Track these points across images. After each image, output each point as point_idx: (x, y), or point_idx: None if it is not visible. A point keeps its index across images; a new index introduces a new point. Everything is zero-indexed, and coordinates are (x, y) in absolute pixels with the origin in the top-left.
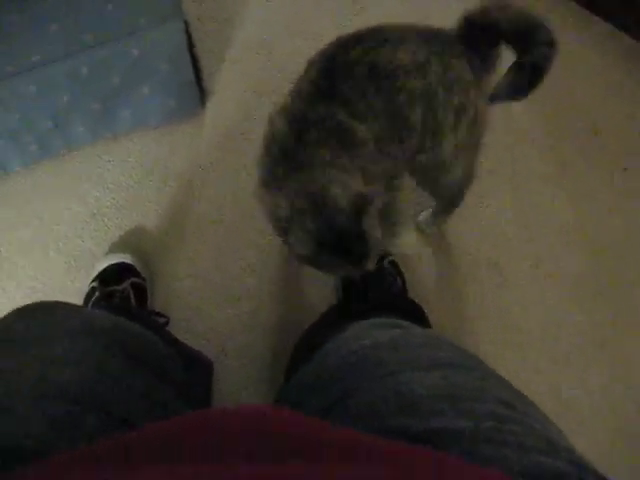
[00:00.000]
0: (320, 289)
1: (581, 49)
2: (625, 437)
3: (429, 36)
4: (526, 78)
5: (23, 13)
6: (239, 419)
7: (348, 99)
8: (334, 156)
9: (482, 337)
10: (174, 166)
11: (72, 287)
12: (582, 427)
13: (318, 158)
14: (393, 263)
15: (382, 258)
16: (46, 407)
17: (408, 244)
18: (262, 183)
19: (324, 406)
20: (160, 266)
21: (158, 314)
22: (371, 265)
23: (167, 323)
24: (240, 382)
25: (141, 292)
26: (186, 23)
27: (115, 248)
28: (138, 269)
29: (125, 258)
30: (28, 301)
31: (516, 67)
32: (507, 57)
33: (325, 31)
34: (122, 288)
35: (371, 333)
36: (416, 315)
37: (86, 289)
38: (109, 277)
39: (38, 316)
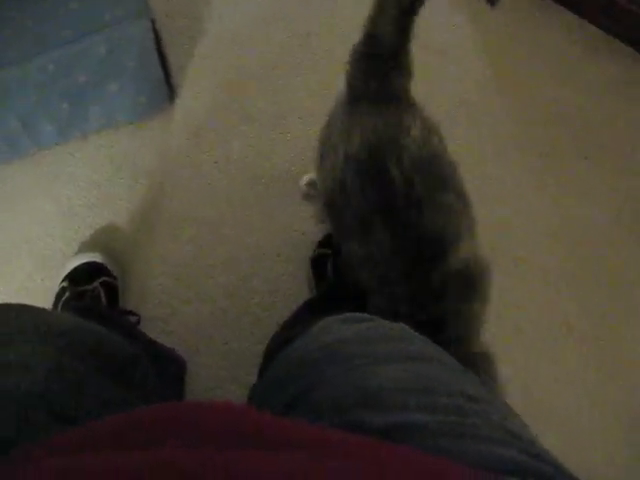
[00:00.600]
0: (294, 285)
1: (546, 38)
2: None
3: None
4: None
5: None
6: (212, 412)
7: None
8: None
9: None
10: (145, 163)
11: (42, 287)
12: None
13: None
14: None
15: None
16: None
17: None
18: None
19: (288, 402)
20: (132, 264)
21: (129, 313)
22: None
23: (139, 322)
24: (213, 381)
25: (112, 291)
26: (153, 20)
27: (86, 247)
28: (109, 268)
29: (95, 257)
30: None
31: None
32: None
33: (296, 24)
34: (92, 287)
35: (338, 328)
36: None
37: (56, 289)
38: (79, 277)
39: None
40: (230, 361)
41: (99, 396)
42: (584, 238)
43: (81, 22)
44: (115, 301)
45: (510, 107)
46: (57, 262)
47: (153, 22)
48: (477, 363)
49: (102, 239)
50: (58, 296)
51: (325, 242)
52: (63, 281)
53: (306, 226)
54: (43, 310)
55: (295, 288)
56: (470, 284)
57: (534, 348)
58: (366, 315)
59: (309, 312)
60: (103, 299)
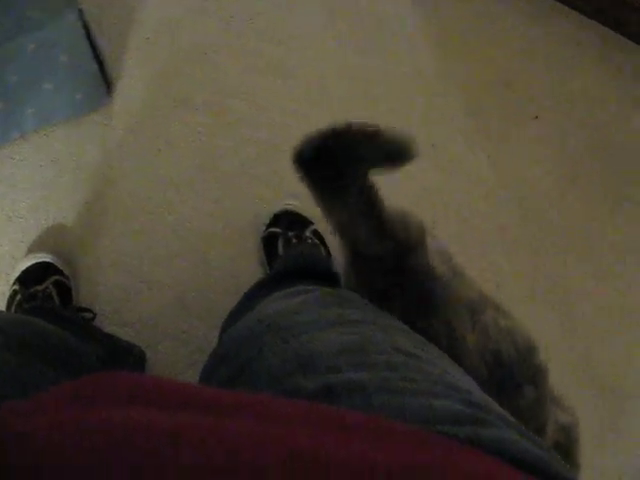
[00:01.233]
0: (248, 268)
1: (495, 9)
2: None
3: None
4: None
5: None
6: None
7: None
8: None
9: None
10: (87, 158)
11: None
12: None
13: None
14: (316, 232)
15: (305, 228)
16: None
17: None
18: None
19: (230, 375)
20: (83, 261)
21: (84, 310)
22: None
23: (94, 318)
24: (174, 368)
25: (65, 290)
26: (81, 12)
27: (35, 248)
28: (59, 267)
29: (45, 257)
30: None
31: None
32: None
33: (229, 10)
34: (44, 287)
35: (280, 301)
36: (336, 280)
37: (8, 293)
38: (30, 278)
39: None
40: (189, 347)
41: (36, 386)
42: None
43: (6, 19)
44: (68, 299)
45: (455, 71)
46: (6, 266)
47: (81, 13)
48: None
49: (50, 239)
50: (10, 299)
51: (274, 222)
52: (14, 284)
53: (257, 207)
54: None
55: (249, 270)
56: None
57: None
58: (308, 287)
59: (260, 291)
60: (56, 298)
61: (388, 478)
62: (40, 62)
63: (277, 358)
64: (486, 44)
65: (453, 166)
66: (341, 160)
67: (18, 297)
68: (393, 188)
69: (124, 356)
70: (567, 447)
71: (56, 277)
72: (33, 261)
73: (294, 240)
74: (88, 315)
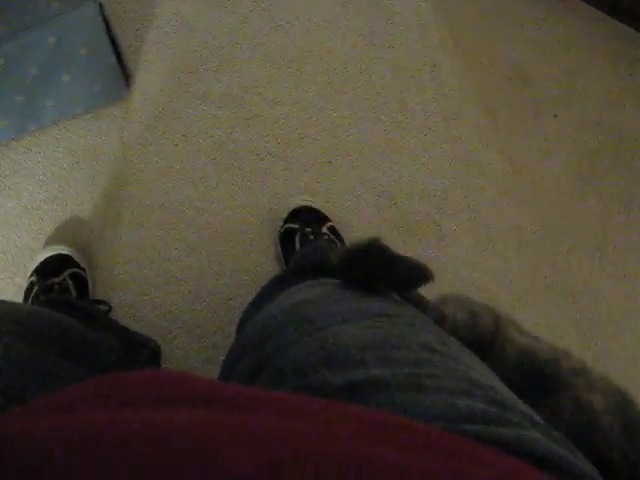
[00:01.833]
0: (263, 262)
1: (510, 3)
2: None
3: None
4: None
5: None
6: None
7: None
8: None
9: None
10: (105, 151)
11: (11, 284)
12: None
13: None
14: (332, 229)
15: (322, 224)
16: None
17: None
18: None
19: (254, 366)
20: (100, 254)
21: (100, 302)
22: None
23: (110, 310)
24: (189, 363)
25: (81, 282)
26: (101, 5)
27: (52, 240)
28: (76, 259)
29: (62, 249)
30: None
31: None
32: None
33: (247, 4)
34: (61, 280)
35: (302, 292)
36: None
37: (26, 285)
38: (47, 270)
39: None
40: (204, 342)
41: (52, 377)
42: (550, 195)
43: (27, 12)
44: (85, 292)
45: (470, 66)
46: (25, 258)
47: (101, 7)
48: None
49: (68, 231)
50: (27, 291)
51: (292, 217)
52: (31, 276)
53: (272, 202)
54: (2, 302)
55: (265, 265)
56: None
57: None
58: (330, 279)
59: (279, 285)
60: (72, 291)
61: None
62: (59, 55)
63: (302, 351)
64: (501, 39)
65: (467, 162)
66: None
67: (35, 289)
68: (405, 182)
69: (139, 349)
70: None
71: (73, 269)
72: (50, 253)
73: (311, 236)
74: (104, 308)
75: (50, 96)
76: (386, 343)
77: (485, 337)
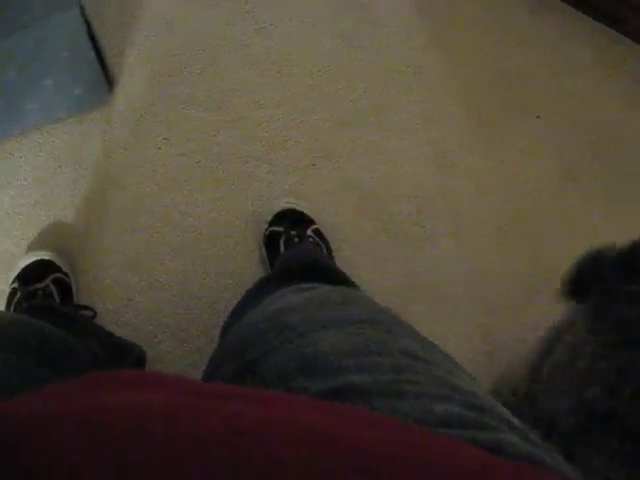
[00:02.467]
0: (248, 266)
1: (495, 4)
2: None
3: None
4: None
5: None
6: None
7: None
8: None
9: (413, 295)
10: (88, 155)
11: None
12: None
13: None
14: (317, 231)
15: (307, 227)
16: None
17: None
18: None
19: (238, 372)
20: (83, 259)
21: (84, 308)
22: None
23: (94, 316)
24: (175, 367)
25: (65, 288)
26: (82, 8)
27: (34, 246)
28: (59, 264)
29: (45, 255)
30: None
31: None
32: None
33: (230, 6)
34: (44, 286)
35: (285, 297)
36: (339, 279)
37: (8, 291)
38: (30, 276)
39: None
40: (189, 347)
41: (31, 386)
42: (532, 195)
43: (7, 15)
44: (69, 297)
45: (453, 67)
46: (6, 264)
47: (83, 10)
48: None
49: (50, 236)
50: (10, 297)
51: (276, 220)
52: (13, 282)
53: (256, 204)
54: None
55: (249, 268)
56: None
57: (461, 301)
58: (314, 284)
59: (263, 289)
60: (56, 296)
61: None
62: (40, 58)
63: (283, 358)
64: (484, 41)
65: (451, 163)
66: None
67: (18, 295)
68: (388, 184)
69: (124, 355)
70: None
71: (56, 275)
72: (33, 259)
73: (296, 239)
74: (88, 313)
75: (31, 100)
76: (366, 349)
77: None
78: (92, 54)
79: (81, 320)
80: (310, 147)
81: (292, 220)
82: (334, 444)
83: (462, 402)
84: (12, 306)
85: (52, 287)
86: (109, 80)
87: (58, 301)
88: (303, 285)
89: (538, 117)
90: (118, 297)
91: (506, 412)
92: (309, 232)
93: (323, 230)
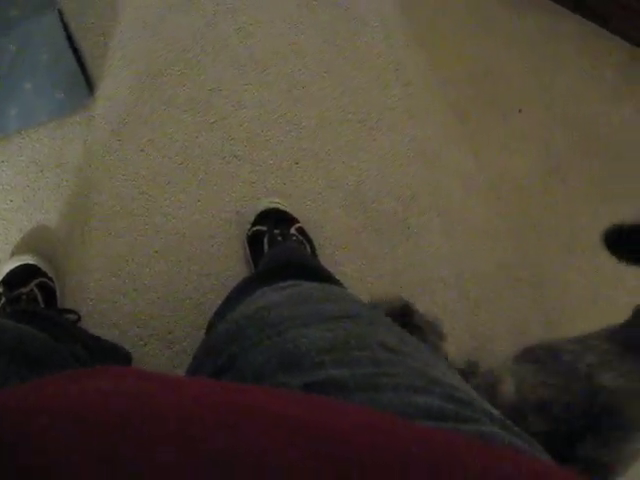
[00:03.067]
0: (231, 266)
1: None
2: None
3: None
4: None
5: None
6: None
7: None
8: None
9: (399, 292)
10: (70, 159)
11: None
12: None
13: None
14: (301, 230)
15: (290, 225)
16: None
17: None
18: None
19: (217, 369)
20: (67, 263)
21: (68, 311)
22: None
23: (79, 319)
24: (161, 369)
25: (49, 292)
26: (60, 12)
27: (18, 250)
28: (43, 269)
29: (28, 259)
30: None
31: None
32: None
33: (211, 7)
34: (28, 290)
35: (266, 296)
36: (323, 276)
37: None
38: (14, 280)
39: None
40: (175, 348)
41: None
42: (517, 190)
43: None
44: (53, 301)
45: (435, 64)
46: None
47: (61, 14)
48: None
49: (34, 241)
50: None
51: (260, 220)
52: None
53: (240, 205)
54: None
55: (234, 268)
56: None
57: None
58: (296, 282)
59: (247, 288)
60: (40, 300)
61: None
62: (20, 63)
63: (261, 355)
64: (466, 37)
65: (435, 160)
66: None
67: (2, 300)
68: (372, 181)
69: (109, 357)
70: None
71: (40, 279)
72: (17, 263)
73: (279, 238)
74: (73, 317)
75: (12, 104)
76: (346, 344)
77: None
78: (71, 57)
79: (65, 324)
80: (293, 146)
81: (275, 219)
82: (312, 431)
83: (442, 394)
84: None
85: (36, 291)
86: (90, 83)
87: (42, 305)
88: (284, 283)
89: (520, 111)
90: (103, 300)
91: (486, 404)
92: (292, 231)
93: (308, 228)
